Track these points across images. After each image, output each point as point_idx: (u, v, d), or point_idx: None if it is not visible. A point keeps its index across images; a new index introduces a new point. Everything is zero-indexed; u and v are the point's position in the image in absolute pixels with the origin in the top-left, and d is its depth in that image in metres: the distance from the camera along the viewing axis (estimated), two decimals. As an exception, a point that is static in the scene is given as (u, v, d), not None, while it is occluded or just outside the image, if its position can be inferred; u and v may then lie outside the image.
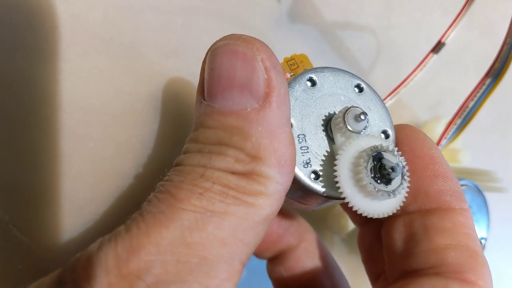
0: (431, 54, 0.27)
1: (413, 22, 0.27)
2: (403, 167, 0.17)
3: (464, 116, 0.25)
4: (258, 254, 0.24)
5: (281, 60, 0.22)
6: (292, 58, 0.23)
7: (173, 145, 0.22)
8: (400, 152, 0.17)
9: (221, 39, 0.16)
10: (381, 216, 0.17)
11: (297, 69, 0.22)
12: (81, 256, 0.14)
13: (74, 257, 0.14)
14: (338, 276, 0.24)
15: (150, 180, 0.21)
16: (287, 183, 0.15)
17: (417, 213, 0.18)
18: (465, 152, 0.33)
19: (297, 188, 0.18)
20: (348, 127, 0.17)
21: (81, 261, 0.14)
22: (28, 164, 0.19)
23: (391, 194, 0.16)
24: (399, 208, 0.17)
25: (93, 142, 0.20)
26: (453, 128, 0.26)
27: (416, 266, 0.17)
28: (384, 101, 0.22)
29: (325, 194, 0.17)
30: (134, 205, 0.21)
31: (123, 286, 0.13)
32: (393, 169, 0.16)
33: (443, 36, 0.27)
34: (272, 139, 0.15)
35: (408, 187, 0.17)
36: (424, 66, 0.27)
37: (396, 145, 0.19)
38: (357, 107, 0.17)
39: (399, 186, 0.17)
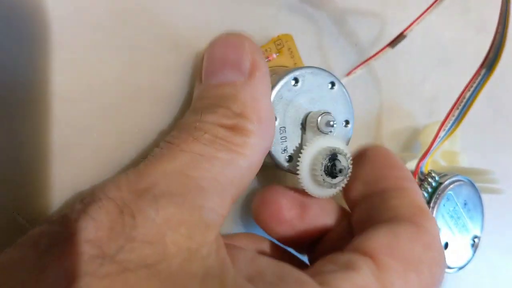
0: (387, 47, 0.28)
1: (409, 18, 0.27)
2: (349, 168, 0.22)
3: (462, 107, 0.25)
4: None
5: (268, 40, 0.24)
6: (279, 38, 0.24)
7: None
8: (350, 156, 0.22)
9: (216, 36, 0.20)
10: (320, 197, 0.22)
11: (283, 48, 0.25)
12: (98, 184, 0.18)
13: (92, 186, 0.18)
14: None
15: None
16: (267, 138, 0.19)
17: (377, 193, 0.21)
18: (463, 155, 0.34)
19: (275, 165, 0.23)
20: (319, 128, 0.22)
21: (98, 185, 0.17)
22: (32, 153, 0.19)
23: (333, 187, 0.22)
24: (335, 194, 0.22)
25: (97, 132, 0.20)
26: (451, 120, 0.26)
27: (375, 223, 0.20)
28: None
29: (289, 170, 0.22)
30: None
31: (133, 198, 0.16)
32: (340, 171, 0.21)
33: (406, 29, 0.27)
34: (255, 103, 0.19)
35: (346, 182, 0.22)
36: (380, 57, 0.28)
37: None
38: (329, 113, 0.22)
39: (340, 181, 0.22)
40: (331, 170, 0.21)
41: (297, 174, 0.21)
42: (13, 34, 0.18)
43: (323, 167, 0.21)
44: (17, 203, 0.19)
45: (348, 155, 0.22)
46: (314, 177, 0.21)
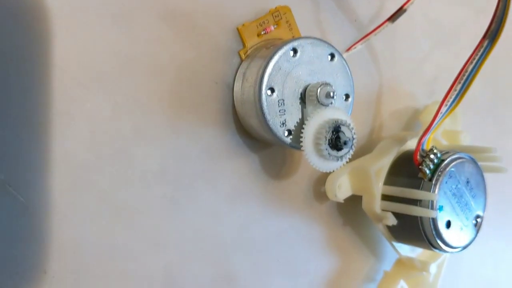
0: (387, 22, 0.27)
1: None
2: (354, 139, 0.21)
3: (464, 81, 0.25)
4: None
5: (266, 12, 0.24)
6: (276, 10, 0.24)
7: (170, 107, 0.22)
8: (354, 127, 0.21)
9: None
10: (326, 171, 0.22)
11: (280, 20, 0.24)
12: None
13: None
14: None
15: (148, 142, 0.21)
16: None
17: None
18: (465, 133, 0.33)
19: (274, 140, 0.22)
20: (319, 100, 0.21)
21: None
22: (24, 123, 0.18)
23: (339, 159, 0.21)
24: (339, 167, 0.22)
25: (90, 102, 0.20)
26: (453, 94, 0.25)
27: None
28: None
29: (292, 146, 0.22)
30: (131, 167, 0.21)
31: None
32: (345, 143, 0.21)
33: (406, 3, 0.27)
34: None
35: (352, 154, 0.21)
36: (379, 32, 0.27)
37: None
38: (328, 84, 0.21)
39: (346, 153, 0.21)
40: (336, 143, 0.21)
41: (301, 149, 0.21)
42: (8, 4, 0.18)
43: (327, 141, 0.20)
44: (8, 174, 0.18)
45: (352, 125, 0.21)
46: (319, 151, 0.21)
